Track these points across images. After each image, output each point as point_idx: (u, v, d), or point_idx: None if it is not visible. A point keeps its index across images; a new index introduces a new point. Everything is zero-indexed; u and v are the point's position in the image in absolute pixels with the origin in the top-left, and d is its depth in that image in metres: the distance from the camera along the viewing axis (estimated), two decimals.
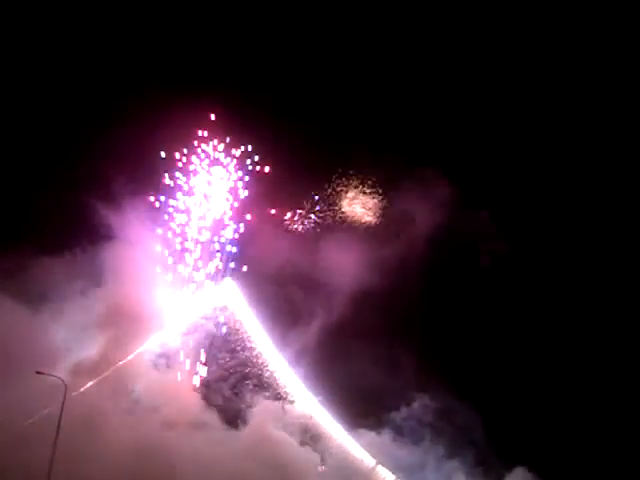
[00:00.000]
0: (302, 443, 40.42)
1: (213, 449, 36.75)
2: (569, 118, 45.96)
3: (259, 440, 38.10)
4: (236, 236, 46.77)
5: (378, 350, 43.01)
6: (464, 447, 41.31)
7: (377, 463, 41.60)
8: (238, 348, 43.89)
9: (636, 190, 45.13)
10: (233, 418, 40.14)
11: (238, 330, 44.52)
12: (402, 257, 44.30)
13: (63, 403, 30.35)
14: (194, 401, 39.72)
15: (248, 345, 44.05)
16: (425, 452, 41.36)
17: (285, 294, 46.06)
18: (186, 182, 46.48)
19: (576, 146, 45.76)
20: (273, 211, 47.98)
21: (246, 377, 42.84)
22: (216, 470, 35.53)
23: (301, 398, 42.89)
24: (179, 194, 46.16)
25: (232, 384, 42.26)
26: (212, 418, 39.18)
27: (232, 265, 46.11)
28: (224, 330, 44.08)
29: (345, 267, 45.30)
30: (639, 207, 44.74)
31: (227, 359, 43.38)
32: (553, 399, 42.66)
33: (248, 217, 46.98)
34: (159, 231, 44.74)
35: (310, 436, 41.24)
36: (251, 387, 42.51)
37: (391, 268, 43.68)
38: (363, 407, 42.74)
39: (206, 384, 41.43)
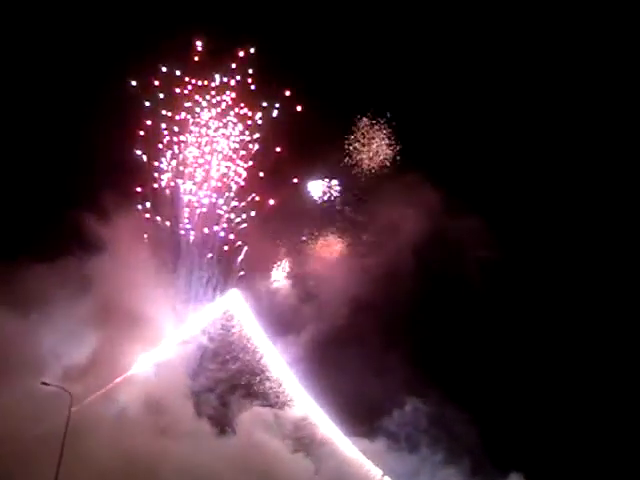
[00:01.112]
0: (295, 451, 40.03)
1: (203, 457, 36.57)
2: (560, 119, 46.10)
3: (249, 447, 38.05)
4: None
5: (371, 359, 42.95)
6: (459, 455, 41.15)
7: (383, 475, 41.40)
8: (229, 357, 43.66)
9: (631, 193, 45.56)
10: (224, 426, 39.95)
11: (230, 340, 44.41)
12: (394, 264, 44.46)
13: (69, 415, 30.31)
14: (185, 410, 39.42)
15: (240, 354, 43.93)
16: (420, 460, 41.19)
17: (277, 303, 46.21)
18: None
19: (569, 148, 45.92)
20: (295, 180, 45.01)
21: (237, 386, 42.57)
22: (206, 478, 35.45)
23: (295, 405, 42.78)
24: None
25: (222, 393, 41.95)
26: (202, 426, 39.05)
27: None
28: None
29: (335, 275, 45.44)
30: (634, 210, 45.08)
31: (219, 369, 43.08)
32: (549, 406, 42.60)
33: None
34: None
35: (304, 443, 40.96)
36: (242, 395, 42.17)
37: (384, 276, 43.86)
38: (356, 415, 42.68)
39: (197, 393, 41.06)
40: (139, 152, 43.21)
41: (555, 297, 45.03)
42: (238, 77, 43.77)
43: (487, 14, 45.56)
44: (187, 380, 40.89)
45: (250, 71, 43.63)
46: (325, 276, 46.09)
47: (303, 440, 40.98)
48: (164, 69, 42.23)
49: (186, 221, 44.80)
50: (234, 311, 45.23)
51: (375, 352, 43.22)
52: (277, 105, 43.67)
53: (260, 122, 44.29)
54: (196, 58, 43.27)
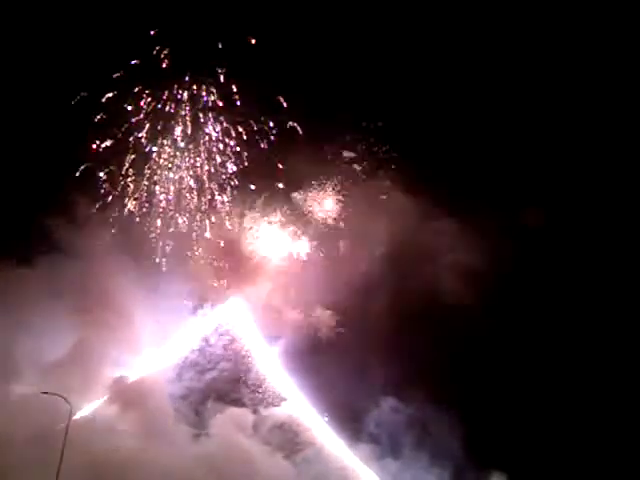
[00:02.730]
0: (274, 454, 39.71)
1: (181, 461, 36.37)
2: (553, 122, 46.33)
3: (227, 450, 37.98)
4: None
5: (353, 364, 43.06)
6: (442, 456, 41.08)
7: None
8: (209, 365, 43.63)
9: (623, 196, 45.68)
10: (203, 429, 39.78)
11: (210, 347, 44.40)
12: (374, 271, 44.74)
13: (68, 424, 30.36)
14: (165, 414, 39.27)
15: (220, 361, 43.93)
16: (403, 463, 41.14)
17: (259, 311, 46.30)
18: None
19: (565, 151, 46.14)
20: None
21: (216, 390, 42.52)
22: None
23: (276, 408, 42.85)
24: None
25: (201, 398, 41.87)
26: (183, 430, 38.99)
27: None
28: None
29: (314, 282, 45.70)
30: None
31: (198, 376, 43.02)
32: (532, 405, 42.56)
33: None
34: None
35: (285, 447, 40.69)
36: (220, 399, 42.02)
37: (366, 282, 44.12)
38: (338, 420, 42.85)
39: (176, 399, 41.05)
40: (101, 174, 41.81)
41: (533, 296, 45.40)
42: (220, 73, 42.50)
43: (474, 19, 46.30)
44: (168, 385, 40.93)
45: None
46: (305, 283, 46.22)
47: (284, 443, 40.76)
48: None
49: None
50: (217, 320, 45.60)
51: (356, 357, 43.38)
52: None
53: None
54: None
